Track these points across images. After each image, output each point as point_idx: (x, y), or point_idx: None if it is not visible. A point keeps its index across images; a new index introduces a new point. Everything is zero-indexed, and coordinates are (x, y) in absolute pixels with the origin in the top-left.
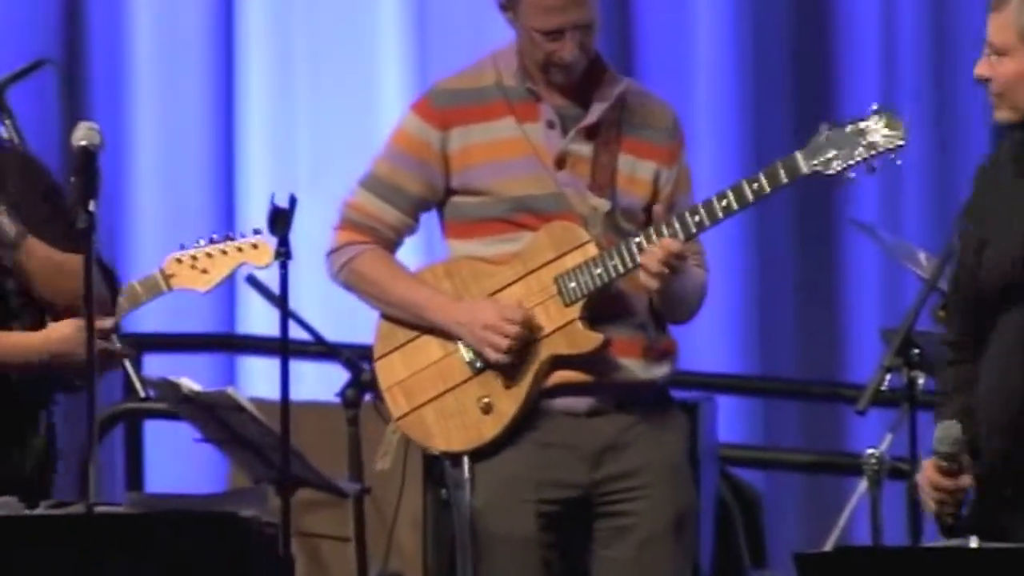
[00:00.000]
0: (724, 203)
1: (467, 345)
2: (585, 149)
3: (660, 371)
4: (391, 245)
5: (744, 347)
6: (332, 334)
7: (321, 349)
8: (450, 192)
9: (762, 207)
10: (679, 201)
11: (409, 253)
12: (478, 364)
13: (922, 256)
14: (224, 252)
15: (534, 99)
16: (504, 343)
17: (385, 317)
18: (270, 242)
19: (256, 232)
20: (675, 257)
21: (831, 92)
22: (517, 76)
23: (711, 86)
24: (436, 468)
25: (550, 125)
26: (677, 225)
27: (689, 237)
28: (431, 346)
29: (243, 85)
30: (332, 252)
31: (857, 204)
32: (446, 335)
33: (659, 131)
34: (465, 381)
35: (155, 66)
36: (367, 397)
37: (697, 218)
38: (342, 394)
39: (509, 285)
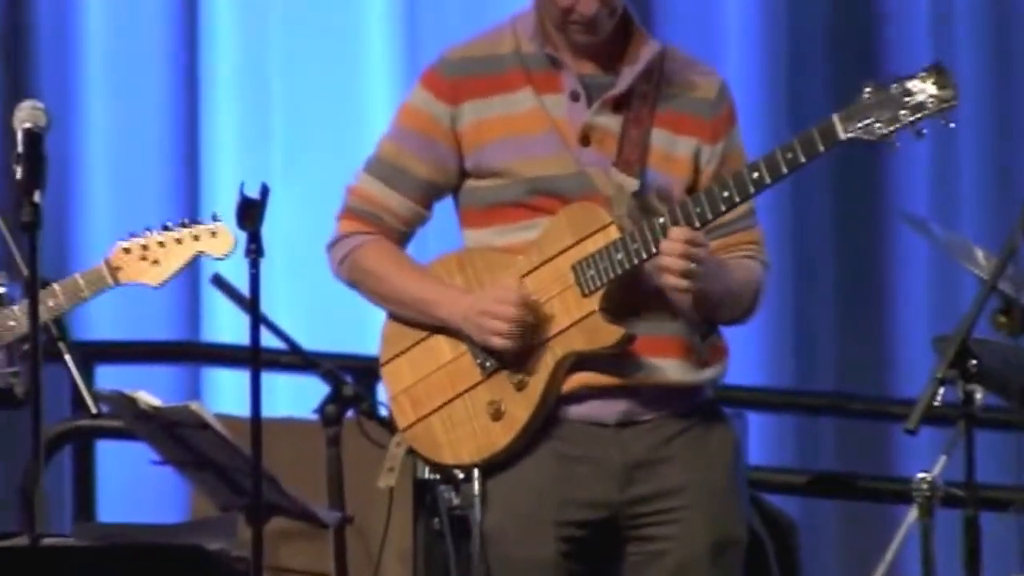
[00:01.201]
0: (755, 175)
1: (475, 343)
2: (613, 122)
3: (704, 375)
4: (398, 236)
5: (777, 357)
6: (310, 342)
7: (297, 360)
8: (464, 175)
9: (798, 197)
10: None
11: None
12: (487, 364)
13: (980, 254)
14: (178, 240)
15: (555, 67)
16: (502, 327)
17: (392, 317)
18: (231, 228)
19: (214, 218)
20: (692, 245)
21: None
22: (536, 41)
23: (741, 51)
24: (428, 494)
25: (574, 96)
26: (704, 201)
27: (717, 215)
28: (441, 347)
29: (208, 60)
30: (332, 244)
31: (906, 194)
32: (456, 334)
33: (701, 102)
34: (475, 385)
35: (108, 38)
36: (349, 414)
37: (726, 193)
38: (321, 410)
39: (524, 276)
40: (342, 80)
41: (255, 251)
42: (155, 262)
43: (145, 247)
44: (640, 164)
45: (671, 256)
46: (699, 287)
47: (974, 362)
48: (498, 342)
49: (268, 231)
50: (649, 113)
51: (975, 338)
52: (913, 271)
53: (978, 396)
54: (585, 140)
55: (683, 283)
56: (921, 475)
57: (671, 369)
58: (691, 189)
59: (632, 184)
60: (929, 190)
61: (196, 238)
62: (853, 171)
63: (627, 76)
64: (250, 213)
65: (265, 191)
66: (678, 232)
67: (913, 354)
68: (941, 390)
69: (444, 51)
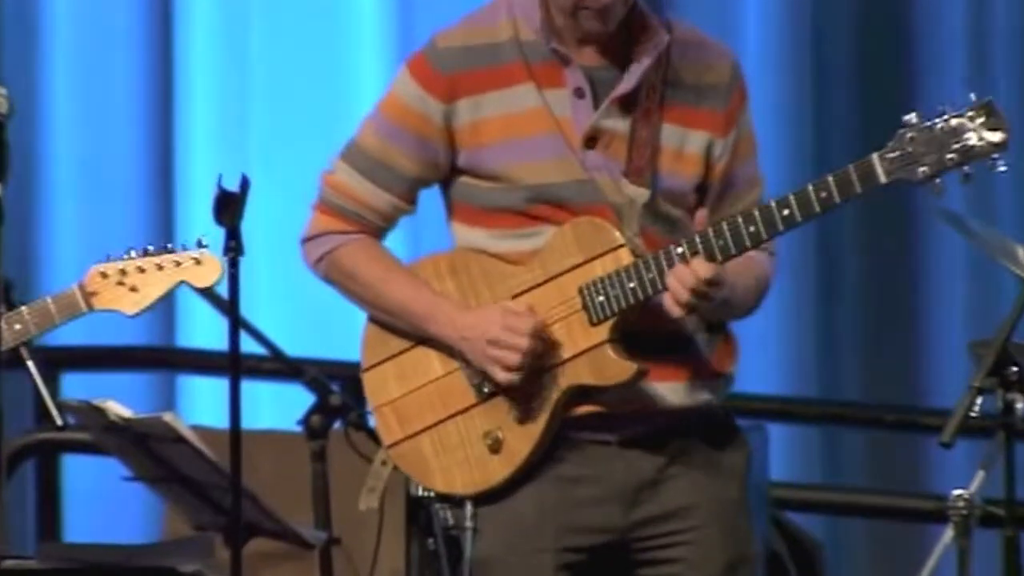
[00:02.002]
0: (786, 213)
1: (472, 363)
2: (621, 125)
3: (708, 395)
4: (380, 233)
5: (799, 364)
6: (293, 348)
7: (280, 366)
8: (456, 170)
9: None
10: (738, 175)
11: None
12: (485, 388)
13: (1021, 252)
14: (159, 267)
15: (559, 60)
16: (514, 359)
17: (374, 321)
18: (216, 257)
19: (200, 244)
20: (707, 284)
21: (906, 66)
22: (539, 31)
23: (760, 35)
24: (422, 513)
25: (578, 94)
26: (728, 234)
27: (741, 251)
28: (430, 360)
29: (183, 40)
30: (308, 240)
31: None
32: (447, 348)
33: (714, 90)
34: (469, 408)
35: (74, 17)
36: (336, 425)
37: (752, 229)
38: (305, 421)
39: (525, 292)
40: (329, 62)
41: (234, 249)
42: (133, 289)
43: (123, 272)
44: (651, 170)
45: (682, 287)
46: (708, 312)
47: (1014, 369)
48: (505, 377)
49: (248, 227)
50: (658, 108)
51: (1015, 343)
52: (948, 270)
53: (1019, 406)
54: (591, 142)
55: (678, 312)
56: (957, 492)
57: (675, 394)
58: (701, 186)
59: (643, 195)
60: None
61: (178, 265)
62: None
63: (633, 73)
64: (229, 207)
65: (245, 184)
66: (701, 268)
67: (948, 361)
68: (979, 400)
69: (435, 37)
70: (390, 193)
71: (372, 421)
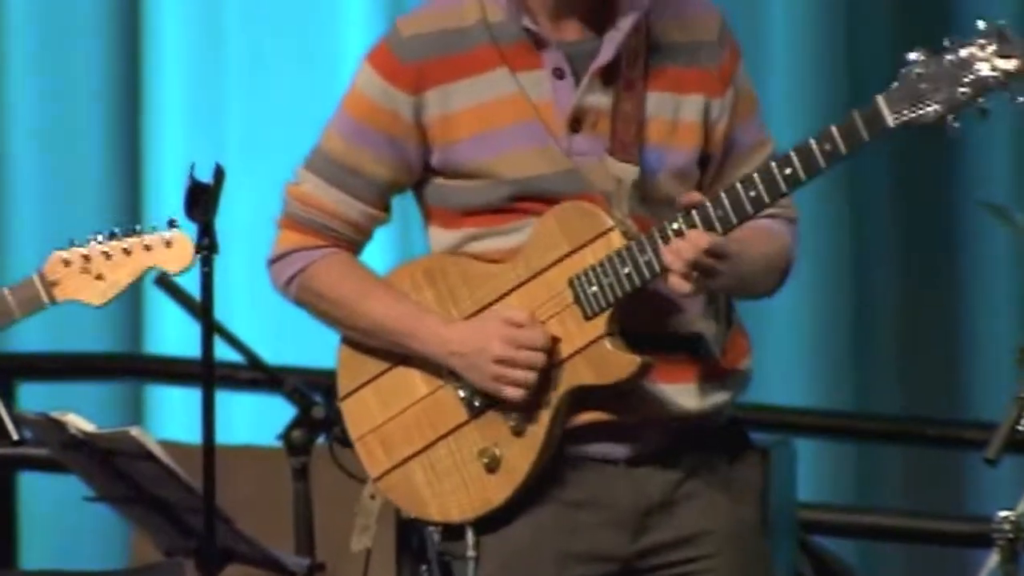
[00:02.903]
0: (788, 172)
1: (461, 379)
2: (606, 100)
3: (724, 395)
4: (354, 245)
5: (831, 374)
6: (273, 355)
7: (258, 375)
8: (430, 171)
9: (853, 182)
10: (740, 137)
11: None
12: (476, 403)
13: None
14: (127, 252)
15: (533, 43)
16: (530, 377)
17: (348, 342)
18: (189, 238)
19: (171, 224)
20: (709, 256)
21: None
22: (508, 10)
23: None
24: (414, 537)
25: (557, 74)
26: (727, 203)
27: (743, 219)
28: (412, 379)
29: (153, 18)
30: (275, 260)
31: (983, 178)
32: (428, 364)
33: (702, 47)
34: (460, 426)
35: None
36: (320, 440)
37: (752, 193)
38: (286, 436)
39: (509, 292)
40: (313, 38)
41: (207, 246)
42: (98, 277)
43: (87, 258)
44: (638, 143)
45: (679, 260)
46: (716, 286)
47: None
48: (519, 395)
49: (223, 222)
50: (642, 77)
51: None
52: (992, 270)
53: None
54: (575, 125)
55: (685, 288)
56: (1003, 513)
57: (687, 396)
58: (703, 156)
59: (631, 172)
60: (1010, 172)
61: (148, 249)
62: (918, 150)
63: (610, 43)
64: (201, 200)
65: (219, 174)
66: (698, 238)
67: (993, 370)
68: None
69: (396, 23)
70: (361, 201)
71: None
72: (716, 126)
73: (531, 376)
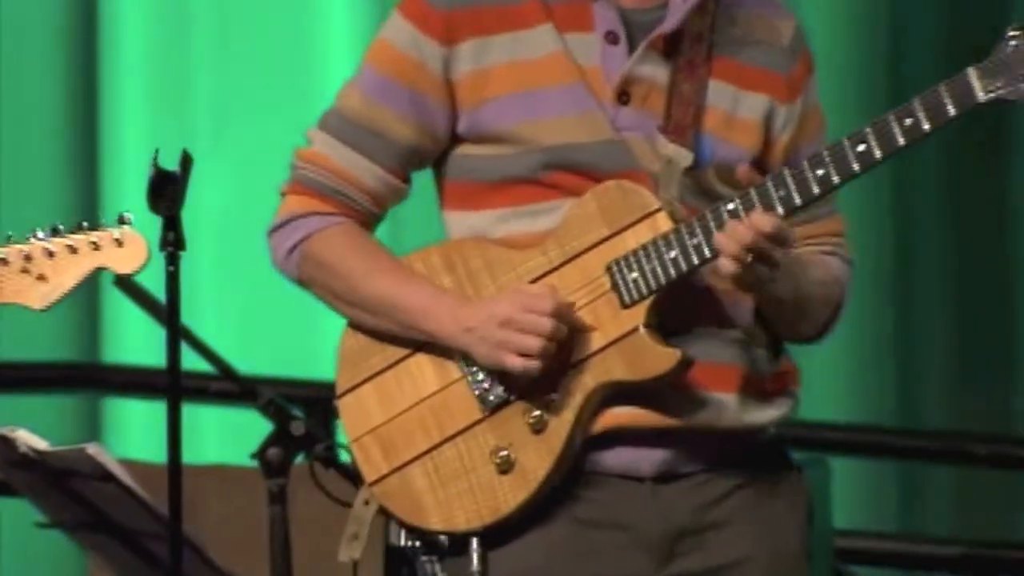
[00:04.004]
0: (861, 148)
1: (476, 369)
2: (661, 73)
3: (769, 414)
4: (368, 219)
5: (873, 386)
6: (246, 363)
7: (229, 386)
8: (455, 139)
9: (899, 179)
10: (805, 154)
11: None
12: (491, 398)
13: None
14: (72, 250)
15: None
16: (533, 343)
17: (355, 328)
18: (143, 236)
19: (121, 221)
20: (768, 240)
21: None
22: None
23: None
24: (404, 569)
25: (610, 38)
26: (791, 181)
27: (808, 200)
28: (423, 372)
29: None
30: (277, 228)
31: None
32: (446, 353)
33: (773, 47)
34: (473, 425)
35: None
36: (299, 459)
37: (820, 171)
38: (261, 455)
39: (540, 278)
40: (287, 14)
41: (173, 242)
42: (40, 277)
43: (28, 258)
44: (695, 128)
45: (735, 243)
46: (771, 290)
47: None
48: (522, 364)
49: (190, 216)
50: (706, 60)
51: None
52: None
53: None
54: (624, 96)
55: (735, 270)
56: None
57: (728, 407)
58: (758, 164)
59: (684, 156)
60: None
61: (96, 247)
62: (971, 145)
63: (676, 11)
64: (166, 191)
65: (186, 162)
66: (760, 220)
67: None
68: None
69: None
70: (380, 166)
71: (349, 455)
72: (779, 136)
73: (534, 343)
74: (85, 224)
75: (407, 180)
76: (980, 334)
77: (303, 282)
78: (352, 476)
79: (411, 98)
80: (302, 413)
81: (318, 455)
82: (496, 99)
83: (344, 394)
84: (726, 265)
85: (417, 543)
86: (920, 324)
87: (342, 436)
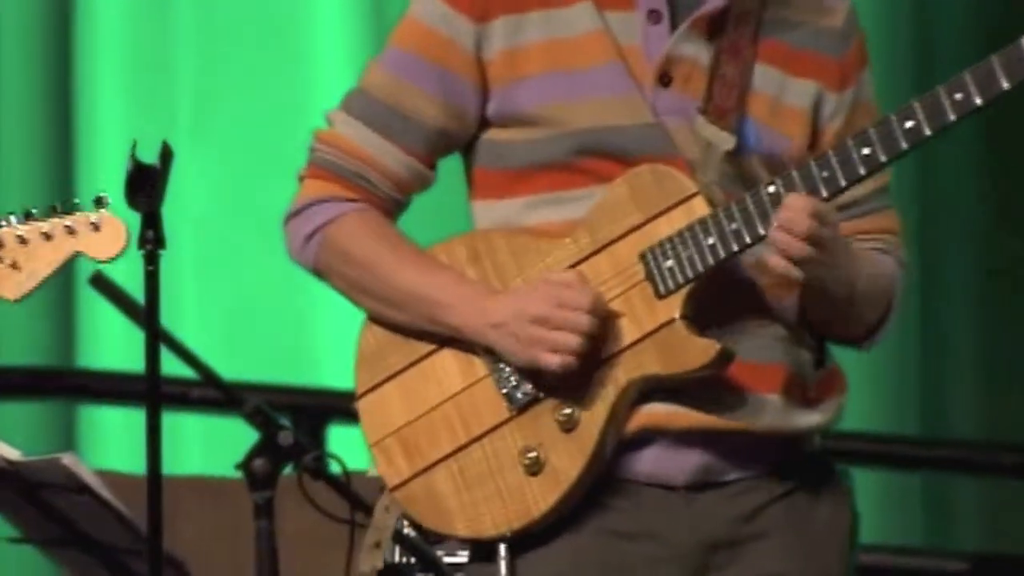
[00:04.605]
0: (909, 124)
1: (503, 365)
2: (704, 53)
3: (813, 419)
4: (391, 206)
5: (895, 393)
6: (230, 369)
7: (212, 393)
8: (484, 124)
9: (926, 172)
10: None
11: None
12: (519, 395)
13: None
14: (46, 236)
15: None
16: (571, 341)
17: (375, 322)
18: (121, 220)
19: (99, 203)
20: (815, 219)
21: None
22: None
23: None
24: None
25: (653, 17)
26: (835, 161)
27: (853, 180)
28: (448, 369)
29: None
30: (294, 215)
31: None
32: (470, 350)
33: (825, 32)
34: (500, 425)
35: None
36: (287, 470)
37: (866, 151)
38: (246, 466)
39: (568, 269)
40: (277, 6)
41: (153, 240)
42: (13, 266)
43: (0, 245)
44: (738, 112)
45: (785, 233)
46: (817, 279)
47: None
48: (560, 362)
49: (171, 212)
50: (751, 42)
51: None
52: None
53: None
54: (665, 78)
55: (795, 271)
56: None
57: (770, 409)
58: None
59: (726, 140)
60: None
61: (71, 232)
62: (1004, 137)
63: None
64: (145, 186)
65: (167, 154)
66: (798, 201)
67: None
68: None
69: None
70: (404, 150)
71: (338, 466)
72: (827, 125)
73: (572, 340)
74: (59, 207)
75: (433, 166)
76: (1009, 338)
77: (320, 272)
78: (342, 488)
79: (439, 77)
80: (290, 422)
81: (307, 466)
82: (530, 79)
83: (364, 394)
84: (774, 262)
85: (411, 559)
86: (945, 327)
87: (335, 446)
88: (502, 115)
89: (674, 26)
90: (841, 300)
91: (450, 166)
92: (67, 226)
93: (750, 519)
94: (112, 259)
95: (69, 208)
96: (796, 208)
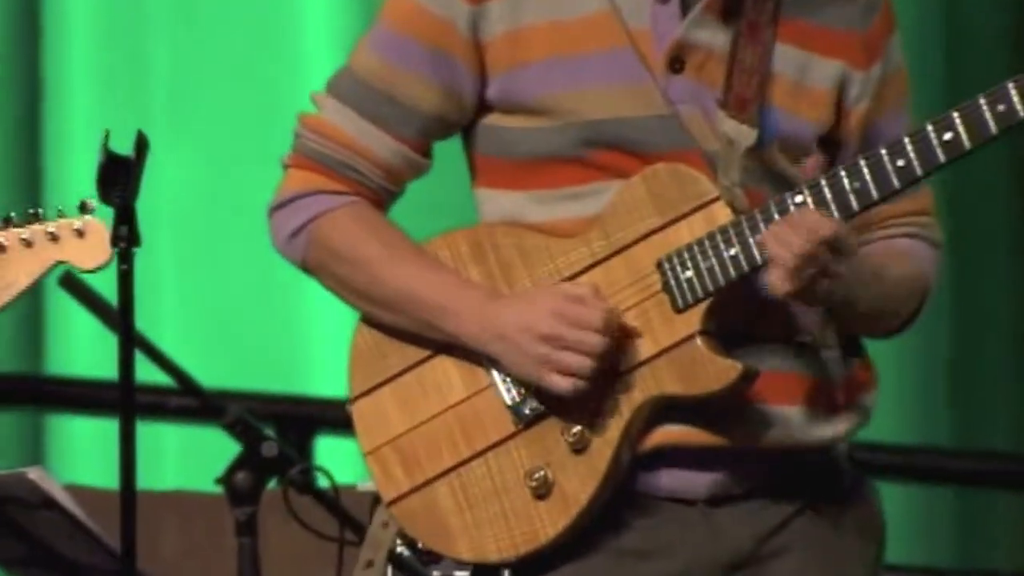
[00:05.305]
0: (948, 137)
1: (507, 377)
2: (720, 38)
3: (840, 427)
4: (383, 197)
5: (926, 403)
6: (209, 376)
7: (191, 402)
8: (484, 107)
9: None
10: (884, 131)
11: None
12: (527, 410)
13: None
14: (27, 243)
15: None
16: (581, 364)
17: (370, 323)
18: (107, 227)
19: (84, 209)
20: (827, 247)
21: None
22: None
23: None
24: None
25: None
26: (867, 172)
27: (886, 195)
28: (448, 376)
29: None
30: (280, 207)
31: None
32: (473, 356)
33: (848, 5)
34: (505, 440)
35: None
36: (271, 484)
37: (901, 162)
38: (228, 480)
39: (580, 273)
40: None
41: (127, 236)
42: None
43: None
44: (759, 102)
45: (785, 249)
46: (837, 298)
47: None
48: (569, 385)
49: (146, 206)
50: (771, 22)
51: None
52: None
53: None
54: (677, 64)
55: (787, 286)
56: None
57: (793, 422)
58: (829, 138)
59: (747, 135)
60: None
61: (54, 239)
62: None
63: None
64: (119, 179)
65: (142, 145)
66: (817, 222)
67: None
68: None
69: None
70: (396, 138)
71: (325, 479)
72: (854, 107)
73: (583, 363)
74: (41, 212)
75: (427, 153)
76: None
77: (309, 269)
78: (330, 503)
79: (433, 59)
80: (275, 432)
81: (292, 480)
82: (531, 64)
83: (359, 398)
84: (776, 284)
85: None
86: (978, 334)
87: (322, 458)
88: (504, 100)
89: (684, 5)
90: (871, 313)
91: (450, 151)
92: (49, 232)
93: (773, 535)
94: (98, 269)
95: (53, 213)
96: (803, 220)
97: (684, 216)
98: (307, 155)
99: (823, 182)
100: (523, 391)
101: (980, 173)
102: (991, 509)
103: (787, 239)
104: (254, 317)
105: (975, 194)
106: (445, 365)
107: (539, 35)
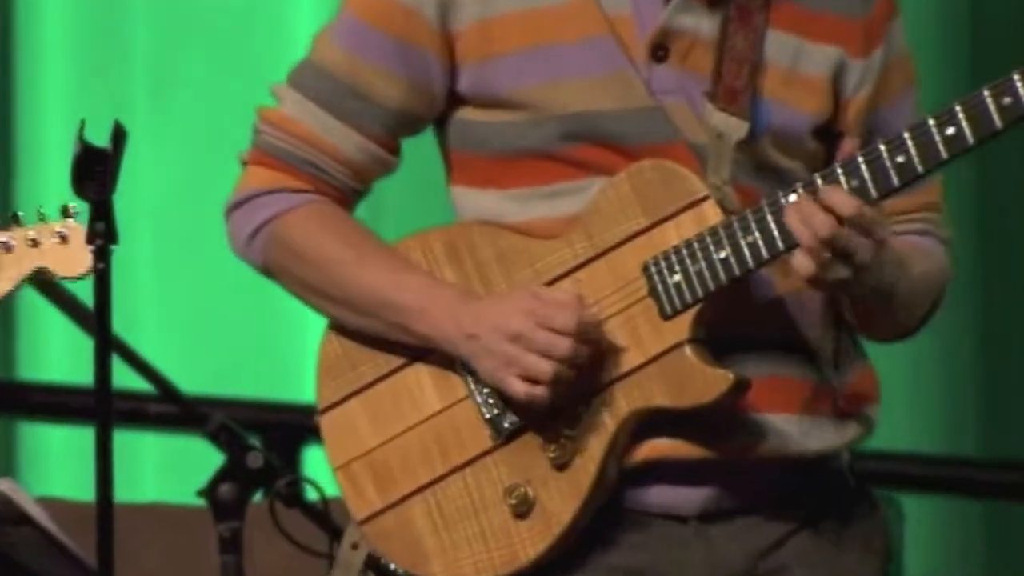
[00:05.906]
0: (951, 132)
1: (484, 386)
2: (706, 24)
3: (842, 436)
4: (348, 195)
5: (953, 412)
6: (191, 382)
7: (171, 409)
8: (456, 100)
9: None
10: (887, 121)
11: None
12: (505, 424)
13: None
14: (7, 248)
15: None
16: (543, 368)
17: (338, 330)
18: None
19: (66, 213)
20: (856, 226)
21: None
22: None
23: None
24: None
25: None
26: (865, 169)
27: (884, 193)
28: (422, 387)
29: None
30: (237, 206)
31: None
32: (449, 364)
33: None
34: (483, 455)
35: None
36: (257, 497)
37: (901, 158)
38: (211, 492)
39: (562, 277)
40: None
41: (103, 234)
42: None
43: None
44: (750, 92)
45: (810, 230)
46: (861, 290)
47: None
48: (525, 391)
49: (124, 202)
50: (762, 7)
51: None
52: None
53: None
54: (660, 52)
55: (813, 271)
56: None
57: (790, 433)
58: (825, 130)
59: (738, 128)
60: None
61: (35, 244)
62: None
63: None
64: (95, 172)
65: (119, 136)
66: (837, 198)
67: None
68: None
69: None
70: (362, 134)
71: (316, 492)
72: (853, 96)
73: (547, 368)
74: (21, 216)
75: (395, 150)
76: None
77: (270, 272)
78: (320, 517)
79: (400, 51)
80: (260, 441)
81: (279, 492)
82: (504, 56)
83: (327, 410)
84: (802, 266)
85: None
86: (1009, 333)
87: (311, 469)
88: (476, 95)
89: None
90: (889, 309)
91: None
92: (30, 238)
93: (769, 552)
94: (81, 277)
95: (30, 219)
96: (834, 202)
97: (672, 216)
98: (267, 151)
99: (818, 179)
100: (501, 403)
101: (1008, 169)
102: (1020, 522)
103: (811, 217)
104: (239, 319)
105: (1006, 194)
106: (419, 375)
107: (512, 24)
